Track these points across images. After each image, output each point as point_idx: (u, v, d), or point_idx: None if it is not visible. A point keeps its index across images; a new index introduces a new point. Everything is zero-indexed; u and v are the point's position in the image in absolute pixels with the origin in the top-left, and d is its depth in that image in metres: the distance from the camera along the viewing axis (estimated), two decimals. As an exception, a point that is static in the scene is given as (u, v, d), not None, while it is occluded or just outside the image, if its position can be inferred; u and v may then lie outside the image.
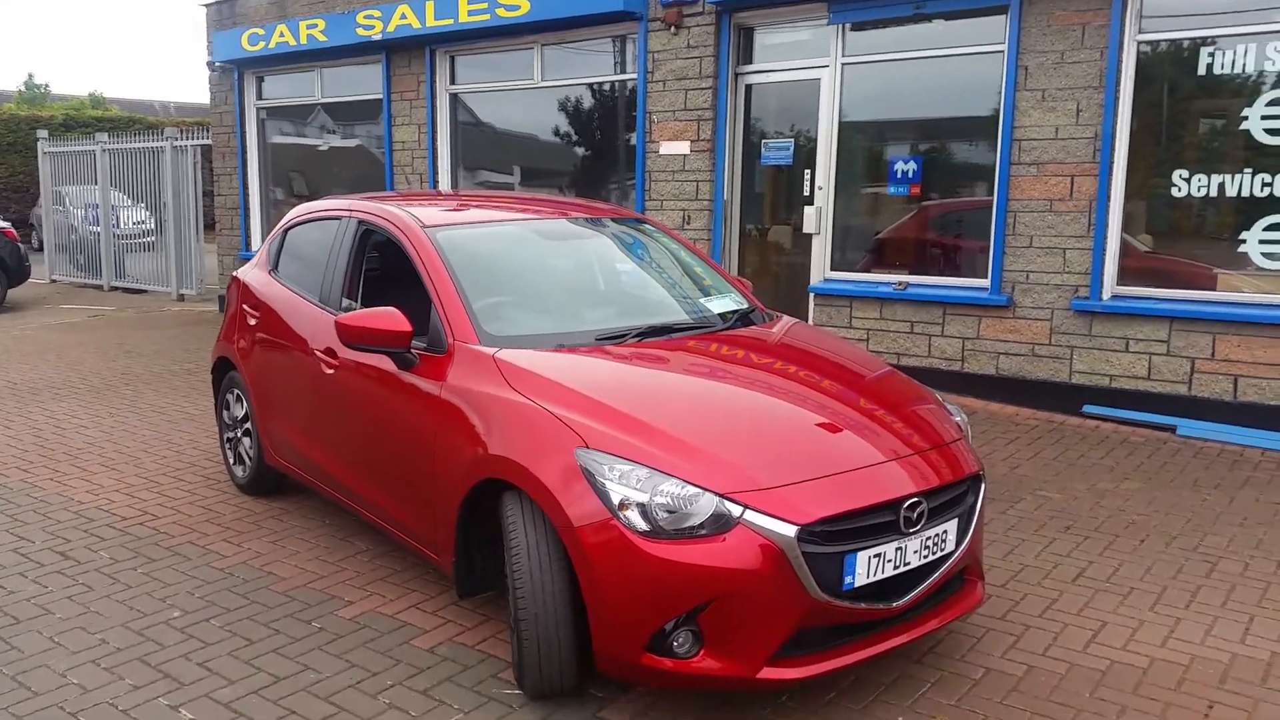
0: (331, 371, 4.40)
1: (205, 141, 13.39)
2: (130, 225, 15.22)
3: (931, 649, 3.74)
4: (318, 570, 4.52)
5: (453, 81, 10.56)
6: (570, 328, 3.96)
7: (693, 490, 3.03)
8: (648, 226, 4.97)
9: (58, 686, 3.53)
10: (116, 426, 7.05)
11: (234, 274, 5.62)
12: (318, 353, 4.50)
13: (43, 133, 16.59)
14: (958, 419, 3.85)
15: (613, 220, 4.94)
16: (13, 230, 13.48)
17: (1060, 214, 7.08)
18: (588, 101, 9.76)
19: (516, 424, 3.38)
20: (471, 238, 4.33)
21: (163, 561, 4.62)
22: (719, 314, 4.35)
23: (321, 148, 12.28)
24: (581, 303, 4.30)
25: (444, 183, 10.52)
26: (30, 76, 52.78)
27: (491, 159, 10.82)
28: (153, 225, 14.53)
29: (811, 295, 8.24)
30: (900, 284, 7.79)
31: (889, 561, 3.17)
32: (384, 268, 4.89)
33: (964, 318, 7.52)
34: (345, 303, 4.54)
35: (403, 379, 3.92)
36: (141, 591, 4.30)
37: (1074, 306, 7.05)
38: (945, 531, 3.34)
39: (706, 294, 4.56)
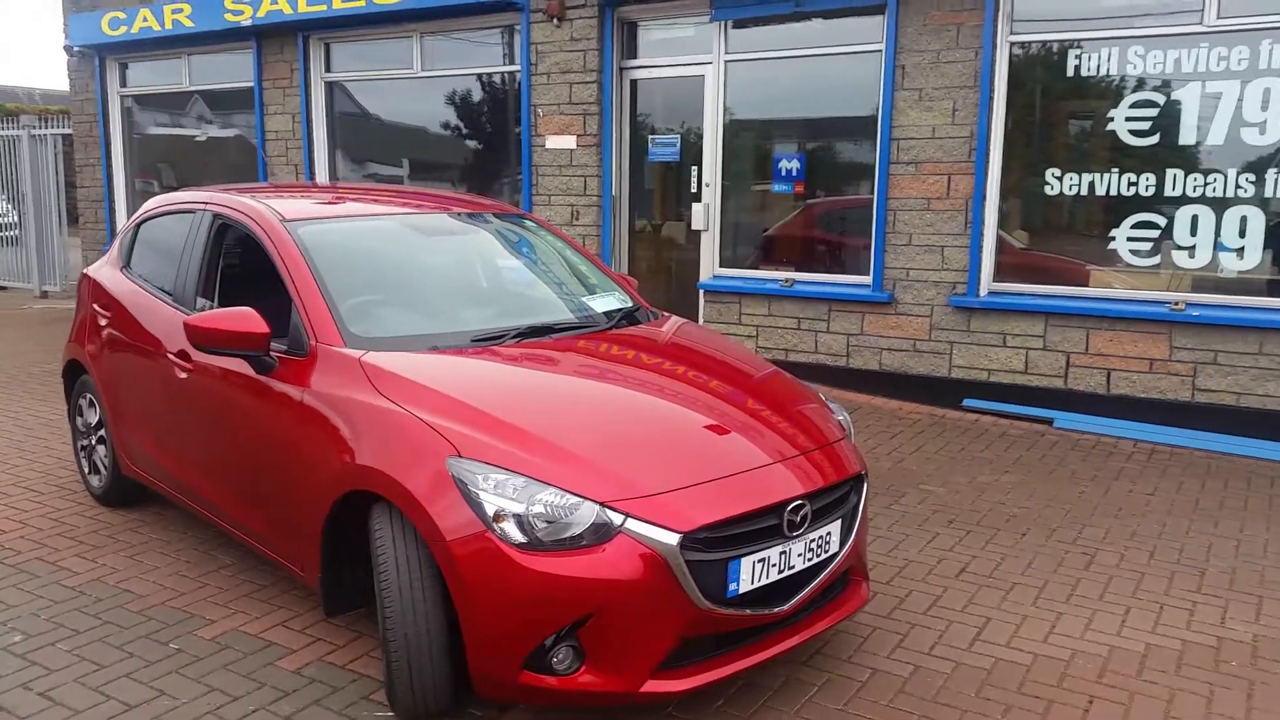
0: (186, 376, 4.11)
1: (67, 130, 12.62)
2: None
3: (819, 650, 3.70)
4: (177, 587, 4.23)
5: (328, 69, 10.17)
6: (445, 328, 3.77)
7: (572, 499, 2.90)
8: (530, 223, 4.81)
9: (-127, 728, 3.20)
10: (-41, 435, 6.53)
11: (84, 271, 5.24)
12: (171, 356, 4.21)
13: (-116, 119, 15.35)
14: (840, 418, 3.82)
15: (494, 216, 4.76)
16: None
17: (938, 212, 7.20)
18: (474, 93, 9.52)
19: (384, 432, 3.19)
20: (338, 233, 4.10)
21: (7, 580, 4.26)
22: (603, 313, 4.22)
23: (197, 138, 11.69)
24: (458, 302, 4.12)
25: (321, 174, 10.13)
26: (-125, 59, 49.23)
27: (376, 150, 10.47)
28: (15, 218, 13.62)
29: (701, 292, 8.21)
30: (787, 281, 7.81)
31: (774, 566, 3.10)
32: (244, 265, 4.60)
33: (848, 314, 7.59)
34: (201, 302, 4.26)
35: (261, 384, 3.68)
36: (-22, 616, 3.95)
37: (952, 303, 7.17)
38: (829, 533, 3.29)
39: (591, 292, 4.43)
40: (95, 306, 4.94)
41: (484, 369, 3.54)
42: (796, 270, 7.92)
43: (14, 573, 4.34)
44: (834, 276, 7.77)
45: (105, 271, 5.04)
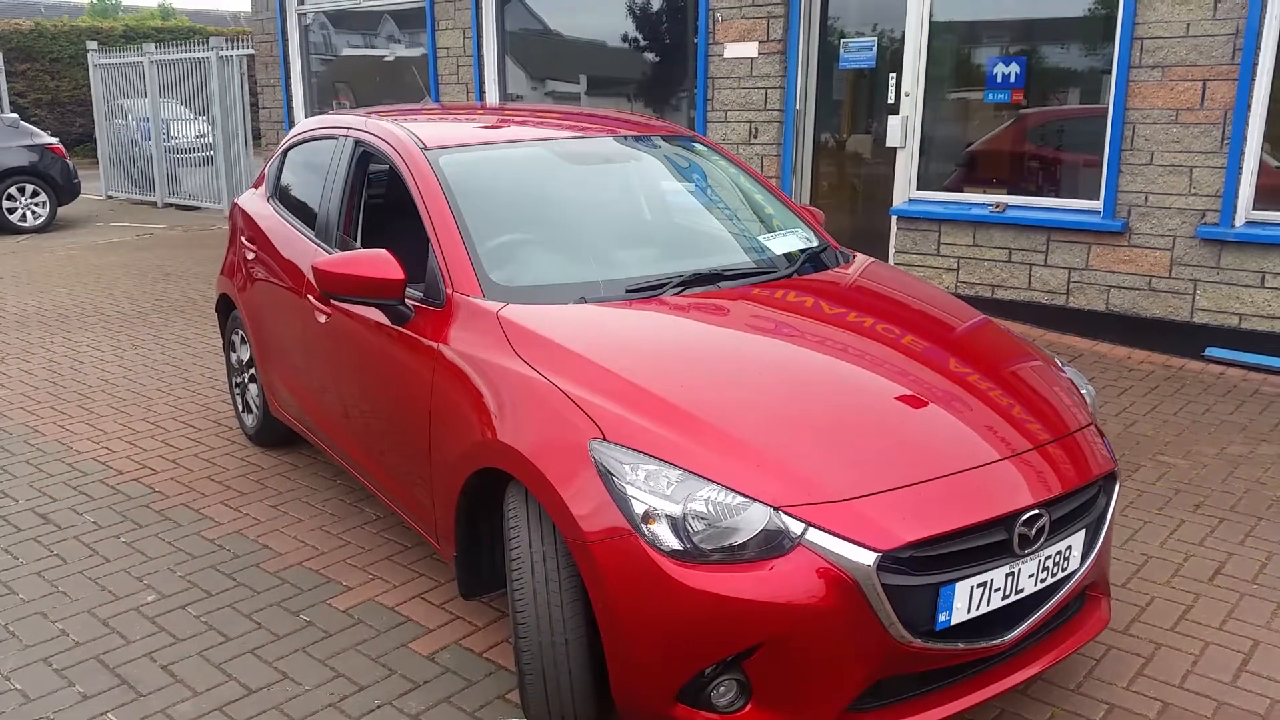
0: (325, 320, 3.75)
1: (252, 51, 12.74)
2: (191, 139, 14.73)
3: (1040, 676, 3.01)
4: (318, 544, 3.95)
5: (500, -20, 9.67)
6: (596, 275, 3.22)
7: (736, 498, 2.32)
8: (701, 146, 4.16)
9: (-2, 693, 3.03)
10: (136, 360, 6.58)
11: (235, 200, 4.98)
12: (311, 298, 3.85)
13: (92, 44, 16.03)
14: (1084, 392, 3.06)
15: (660, 139, 4.14)
16: (60, 147, 13.08)
17: (1187, 125, 6.06)
18: (650, 1, 8.81)
19: (520, 403, 2.69)
20: (483, 162, 3.60)
21: (150, 529, 4.11)
22: (784, 255, 3.57)
23: (386, 58, 11.48)
24: (615, 242, 3.54)
25: (491, 93, 9.72)
26: (102, -12, 52.53)
27: (550, 67, 9.94)
28: (212, 139, 14.00)
29: (894, 218, 7.34)
30: (998, 206, 6.85)
31: (997, 591, 2.45)
32: (388, 198, 4.19)
33: (1071, 245, 6.58)
34: (344, 240, 3.87)
35: (397, 336, 3.25)
36: (119, 567, 3.79)
37: (1200, 234, 6.07)
38: (1069, 548, 2.59)
39: (770, 229, 3.77)
40: (243, 239, 4.68)
41: (639, 328, 2.97)
42: (1009, 193, 6.93)
43: (158, 520, 4.18)
44: (1055, 201, 6.74)
45: (253, 201, 4.75)
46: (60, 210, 13.16)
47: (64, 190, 12.99)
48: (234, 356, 5.04)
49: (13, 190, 12.53)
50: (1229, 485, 4.40)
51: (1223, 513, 4.14)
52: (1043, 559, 2.51)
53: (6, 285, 9.29)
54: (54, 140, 13.16)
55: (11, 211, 12.55)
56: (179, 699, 2.99)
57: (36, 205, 12.73)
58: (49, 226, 12.86)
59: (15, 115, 13.26)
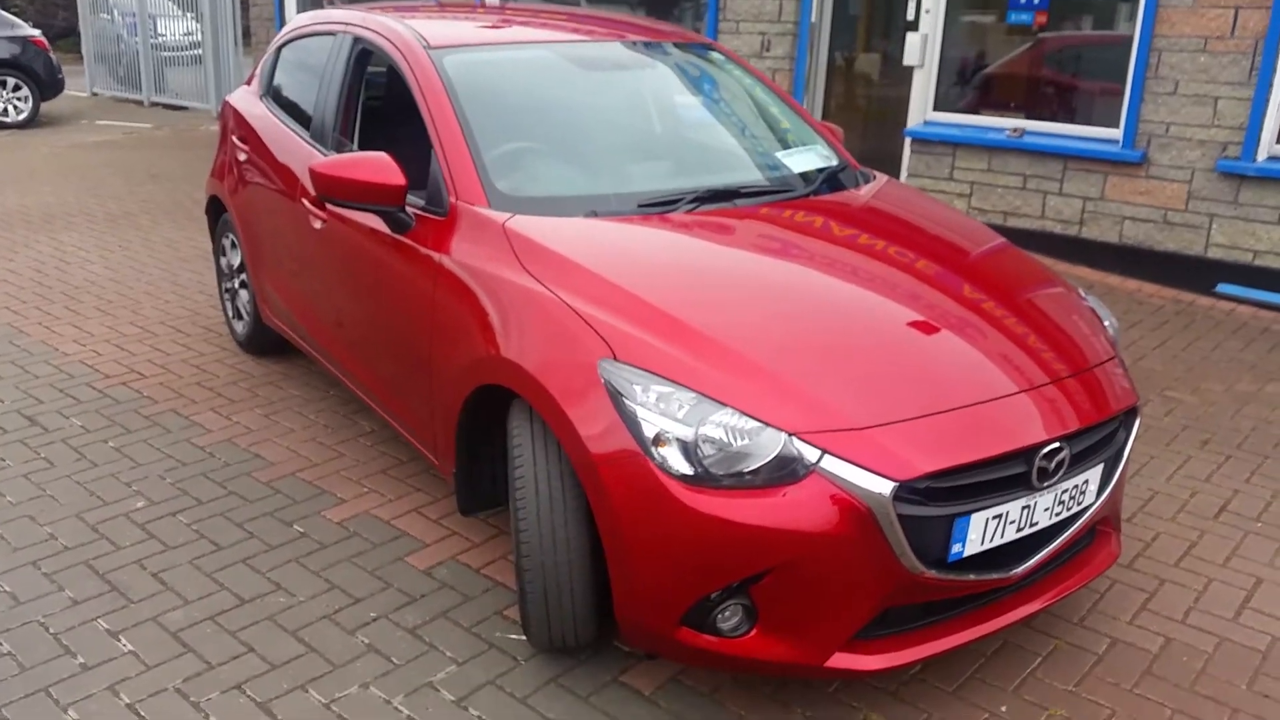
0: (321, 226, 3.61)
1: (243, -57, 12.29)
2: (178, 36, 14.26)
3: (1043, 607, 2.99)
4: (311, 455, 3.87)
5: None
6: (607, 188, 3.08)
7: (750, 423, 2.24)
8: (716, 55, 3.97)
9: (-14, 595, 2.97)
10: (124, 262, 6.42)
11: (226, 98, 4.78)
12: (306, 202, 3.70)
13: (77, -69, 15.45)
14: (1107, 323, 2.97)
15: (675, 46, 3.95)
16: (43, 40, 12.65)
17: (1216, 54, 5.86)
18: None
19: (527, 319, 2.59)
20: (489, 64, 3.42)
21: (139, 434, 4.02)
22: (801, 173, 3.43)
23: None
24: (625, 154, 3.39)
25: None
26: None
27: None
28: (200, 37, 13.55)
29: (907, 140, 7.14)
30: (1016, 131, 6.65)
31: (1012, 523, 2.38)
32: (388, 99, 4.01)
33: (1087, 174, 6.42)
34: (340, 141, 3.71)
35: (396, 244, 3.12)
36: (107, 472, 3.71)
37: (1220, 168, 5.92)
38: (1086, 482, 2.53)
39: (787, 145, 3.62)
40: (234, 139, 4.49)
41: (652, 244, 2.85)
42: (1026, 118, 6.73)
43: (147, 426, 4.09)
44: (1073, 128, 6.54)
45: (246, 100, 4.55)
46: (44, 106, 12.78)
47: (47, 85, 12.60)
48: (224, 261, 4.90)
49: (-6, 84, 12.17)
50: (1236, 422, 4.35)
51: (1229, 450, 4.09)
52: (1059, 493, 2.45)
53: (-10, 181, 9.05)
54: (36, 33, 12.71)
55: (-6, 106, 12.21)
56: (169, 607, 2.93)
57: (19, 100, 12.36)
58: (32, 122, 12.50)
59: (-3, 4, 12.79)
